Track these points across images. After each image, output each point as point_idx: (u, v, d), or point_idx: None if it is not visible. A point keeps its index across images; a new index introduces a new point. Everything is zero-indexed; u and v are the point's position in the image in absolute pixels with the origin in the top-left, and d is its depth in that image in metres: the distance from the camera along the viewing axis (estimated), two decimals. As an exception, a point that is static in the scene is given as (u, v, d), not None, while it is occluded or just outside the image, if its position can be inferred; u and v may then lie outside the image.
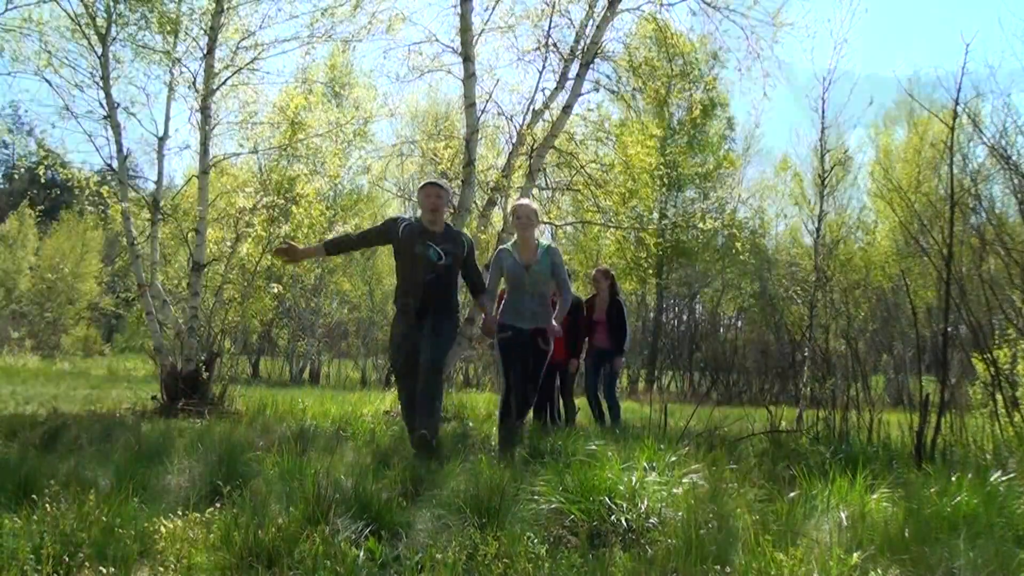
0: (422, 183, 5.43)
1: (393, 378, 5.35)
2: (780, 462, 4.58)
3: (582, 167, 10.25)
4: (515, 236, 5.65)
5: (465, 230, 9.20)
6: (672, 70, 10.51)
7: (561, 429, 6.30)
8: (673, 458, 4.02)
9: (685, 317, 27.12)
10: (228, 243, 10.26)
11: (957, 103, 5.45)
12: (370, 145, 13.72)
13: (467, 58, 8.59)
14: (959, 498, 3.17)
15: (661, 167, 11.32)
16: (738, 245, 16.81)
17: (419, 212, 5.41)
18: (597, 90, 9.71)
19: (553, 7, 9.49)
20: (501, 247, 5.63)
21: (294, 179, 10.73)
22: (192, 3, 9.45)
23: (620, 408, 8.18)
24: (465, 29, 8.56)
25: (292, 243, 5.41)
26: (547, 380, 7.77)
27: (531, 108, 9.52)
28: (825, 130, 11.38)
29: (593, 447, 4.63)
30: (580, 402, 8.47)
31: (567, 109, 9.23)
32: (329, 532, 2.76)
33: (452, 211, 8.76)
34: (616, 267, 21.78)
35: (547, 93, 9.49)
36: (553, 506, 3.29)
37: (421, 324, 5.12)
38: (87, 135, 9.64)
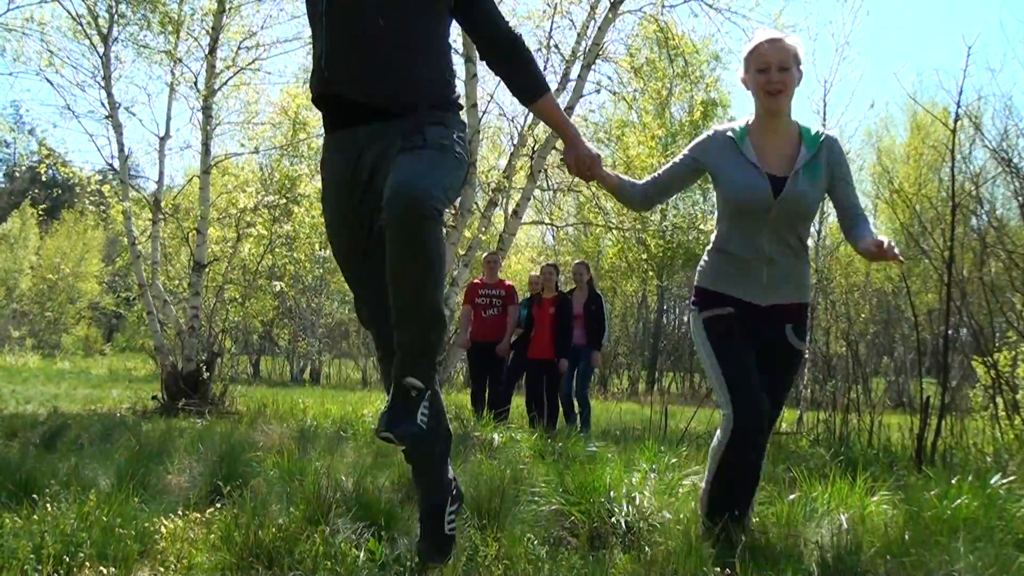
0: None
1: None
2: (780, 464, 4.58)
3: (583, 168, 10.24)
4: (747, 118, 2.89)
5: (466, 232, 9.20)
6: (674, 71, 10.51)
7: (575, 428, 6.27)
8: (674, 460, 4.02)
9: (686, 318, 27.09)
10: (229, 243, 10.27)
11: (959, 106, 5.45)
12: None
13: (469, 59, 8.59)
14: (959, 501, 3.16)
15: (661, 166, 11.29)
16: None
17: None
18: (599, 91, 9.73)
19: (555, 9, 9.51)
20: (719, 128, 2.90)
21: (296, 178, 10.74)
22: (194, 3, 9.48)
23: (591, 410, 7.99)
24: (467, 30, 8.56)
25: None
26: (535, 380, 7.71)
27: (532, 109, 9.53)
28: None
29: (594, 448, 4.64)
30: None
31: (569, 110, 9.23)
32: (329, 532, 2.77)
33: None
34: (618, 268, 21.82)
35: (549, 94, 9.50)
36: (553, 507, 3.29)
37: (366, 145, 2.29)
38: (88, 135, 9.81)
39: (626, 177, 2.80)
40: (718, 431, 2.79)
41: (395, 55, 2.26)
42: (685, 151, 2.93)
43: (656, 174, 2.93)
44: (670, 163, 2.94)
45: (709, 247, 2.94)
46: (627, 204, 2.97)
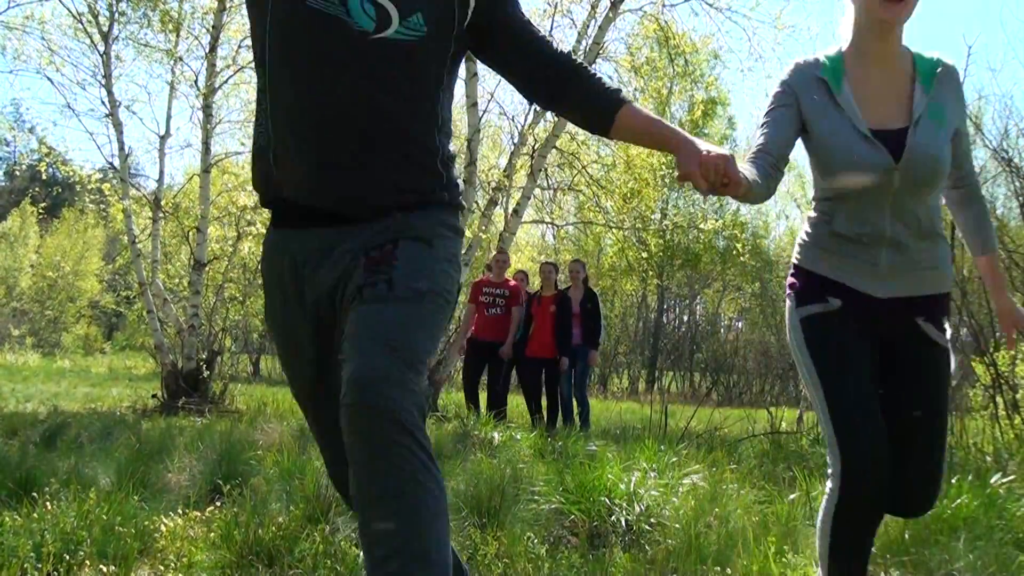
0: None
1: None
2: (780, 463, 4.58)
3: (584, 167, 10.26)
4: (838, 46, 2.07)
5: (467, 232, 9.20)
6: (674, 70, 10.51)
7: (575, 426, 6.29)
8: (673, 459, 4.02)
9: (686, 318, 27.15)
10: (230, 241, 10.28)
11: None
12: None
13: (469, 58, 8.59)
14: (959, 501, 3.17)
15: (663, 167, 11.34)
16: (739, 246, 16.80)
17: None
18: (599, 90, 9.72)
19: (555, 7, 9.50)
20: (800, 63, 2.07)
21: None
22: (194, 1, 9.49)
23: (590, 409, 7.98)
24: (467, 29, 8.56)
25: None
26: (534, 378, 7.71)
27: (533, 108, 9.53)
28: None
29: (593, 447, 4.64)
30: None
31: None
32: (329, 531, 2.77)
33: None
34: (617, 267, 21.81)
35: (549, 93, 9.49)
36: (553, 506, 3.29)
37: (323, 253, 1.67)
38: (88, 133, 9.99)
39: (748, 175, 1.81)
40: (825, 495, 1.98)
41: (362, 148, 1.63)
42: (772, 103, 2.04)
43: (761, 145, 1.99)
44: (767, 125, 2.03)
45: (811, 215, 2.13)
46: (757, 201, 1.97)
